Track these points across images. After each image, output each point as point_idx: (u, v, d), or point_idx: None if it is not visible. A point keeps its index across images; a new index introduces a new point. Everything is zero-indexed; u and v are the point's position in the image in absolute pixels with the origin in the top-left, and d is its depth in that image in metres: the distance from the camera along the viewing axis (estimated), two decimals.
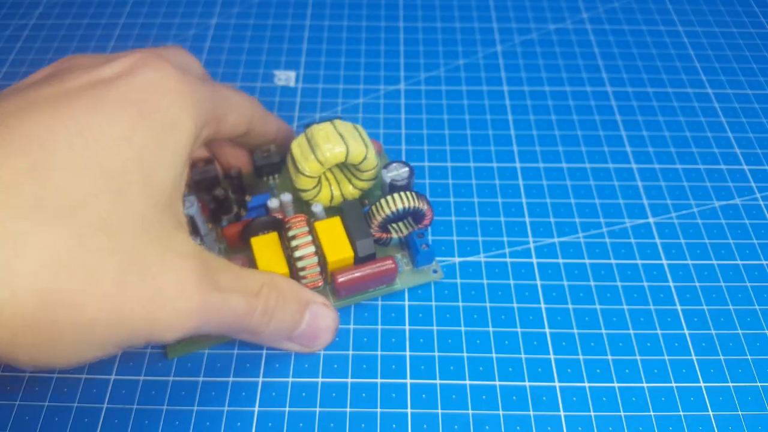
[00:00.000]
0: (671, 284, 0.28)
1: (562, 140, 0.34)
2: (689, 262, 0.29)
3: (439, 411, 0.24)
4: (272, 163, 0.30)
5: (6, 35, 0.41)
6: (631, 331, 0.27)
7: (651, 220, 0.31)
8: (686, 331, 0.27)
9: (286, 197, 0.28)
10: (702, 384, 0.25)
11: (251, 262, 0.28)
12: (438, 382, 0.25)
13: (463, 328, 0.27)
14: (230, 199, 0.29)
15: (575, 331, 0.27)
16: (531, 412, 0.24)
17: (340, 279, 0.26)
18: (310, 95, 0.37)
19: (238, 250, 0.29)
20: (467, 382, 0.25)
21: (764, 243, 0.30)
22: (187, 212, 0.25)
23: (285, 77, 0.38)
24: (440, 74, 0.38)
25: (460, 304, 0.27)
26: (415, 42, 0.40)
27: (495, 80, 0.37)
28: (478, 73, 0.38)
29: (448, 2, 0.43)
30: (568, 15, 0.42)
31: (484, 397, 0.25)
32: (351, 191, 0.29)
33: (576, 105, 0.36)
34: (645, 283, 0.28)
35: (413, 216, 0.28)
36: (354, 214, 0.27)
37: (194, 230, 0.26)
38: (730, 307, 0.28)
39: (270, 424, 0.24)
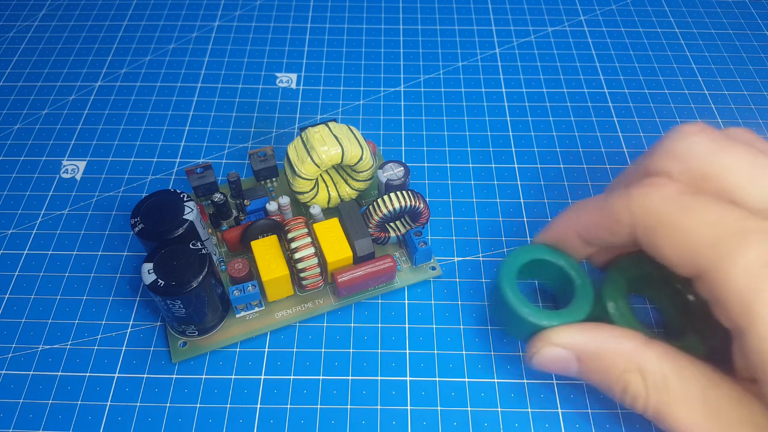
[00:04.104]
0: None
1: (560, 141, 0.34)
2: None
3: (438, 408, 0.25)
4: (269, 166, 0.31)
5: (10, 36, 0.41)
6: None
7: None
8: None
9: (284, 200, 0.29)
10: None
11: (252, 266, 0.28)
12: (437, 379, 0.26)
13: (461, 327, 0.27)
14: (229, 203, 0.29)
15: None
16: (529, 409, 0.25)
17: (341, 279, 0.26)
18: (311, 97, 0.37)
19: (238, 253, 0.29)
20: (466, 379, 0.26)
21: None
22: (186, 218, 0.25)
23: (286, 79, 0.38)
24: (439, 76, 0.38)
25: (459, 302, 0.28)
26: (415, 44, 0.40)
27: (493, 82, 0.38)
28: (477, 75, 0.38)
29: (447, 5, 0.43)
30: (566, 17, 0.42)
31: (482, 394, 0.25)
32: (348, 192, 0.30)
33: (573, 107, 0.36)
34: None
35: (410, 214, 0.28)
36: (351, 215, 0.27)
37: (194, 235, 0.26)
38: None
39: (272, 420, 0.24)
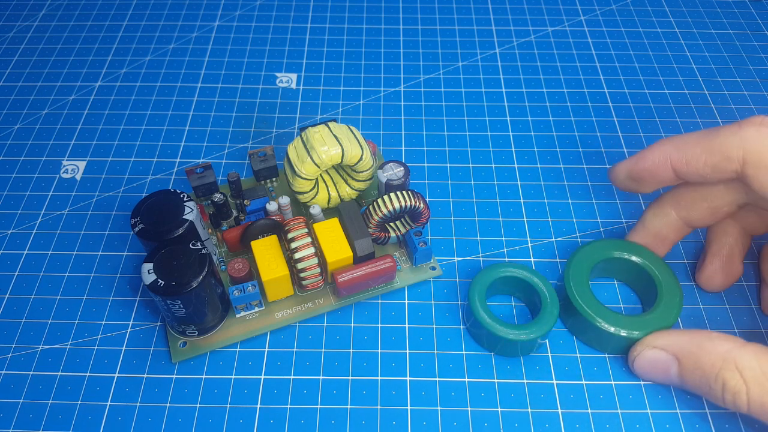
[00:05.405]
0: None
1: (560, 141, 0.34)
2: (685, 261, 0.29)
3: (438, 408, 0.25)
4: (269, 166, 0.31)
5: (10, 36, 0.41)
6: None
7: None
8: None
9: (284, 200, 0.29)
10: None
11: (252, 266, 0.28)
12: (437, 379, 0.26)
13: (461, 327, 0.27)
14: (229, 203, 0.29)
15: None
16: (529, 409, 0.25)
17: (341, 279, 0.26)
18: (311, 97, 0.37)
19: (238, 253, 0.29)
20: (466, 379, 0.25)
21: (760, 242, 0.30)
22: (186, 218, 0.25)
23: (286, 79, 0.38)
24: (439, 76, 0.38)
25: (459, 302, 0.28)
26: (415, 44, 0.40)
27: (493, 82, 0.38)
28: (477, 75, 0.38)
29: (447, 5, 0.43)
30: (566, 17, 0.42)
31: (482, 394, 0.25)
32: (348, 192, 0.30)
33: (573, 106, 0.36)
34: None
35: (410, 214, 0.28)
36: (352, 215, 0.27)
37: (194, 235, 0.26)
38: (726, 306, 0.28)
39: (272, 420, 0.24)
